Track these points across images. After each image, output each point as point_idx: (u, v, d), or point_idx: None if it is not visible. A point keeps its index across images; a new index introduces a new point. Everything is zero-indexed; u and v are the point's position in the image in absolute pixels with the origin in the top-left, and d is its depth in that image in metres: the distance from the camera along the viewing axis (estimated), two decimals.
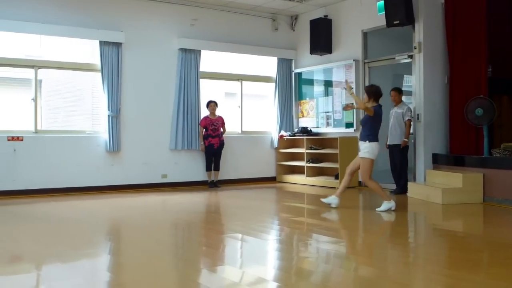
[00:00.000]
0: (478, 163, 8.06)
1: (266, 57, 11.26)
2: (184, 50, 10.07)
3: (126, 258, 4.69)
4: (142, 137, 9.68)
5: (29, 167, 8.69)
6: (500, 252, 4.78)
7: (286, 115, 11.36)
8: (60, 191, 8.90)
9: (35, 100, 8.88)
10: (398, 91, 8.75)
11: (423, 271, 4.15)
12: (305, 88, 11.41)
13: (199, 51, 10.25)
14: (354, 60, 9.98)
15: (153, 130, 9.82)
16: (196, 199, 8.51)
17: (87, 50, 9.61)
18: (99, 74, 9.30)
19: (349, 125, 10.11)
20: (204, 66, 10.40)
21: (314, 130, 10.91)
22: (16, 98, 9.06)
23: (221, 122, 10.14)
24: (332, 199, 7.29)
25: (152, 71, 9.83)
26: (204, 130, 10.03)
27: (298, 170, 10.98)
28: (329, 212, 7.05)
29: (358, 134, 9.86)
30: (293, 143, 11.14)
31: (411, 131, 8.72)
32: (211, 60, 10.67)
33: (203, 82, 10.35)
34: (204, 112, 10.20)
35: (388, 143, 8.80)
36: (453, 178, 7.93)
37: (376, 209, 6.98)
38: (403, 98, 8.79)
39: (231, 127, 10.67)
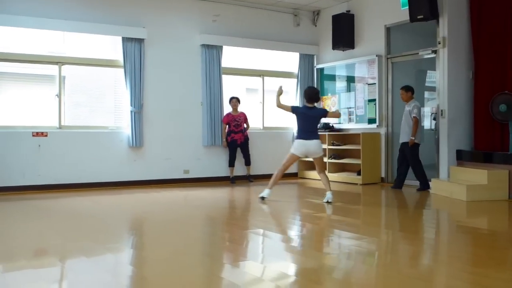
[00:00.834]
0: (503, 159, 7.95)
1: (288, 52, 11.24)
2: (206, 46, 10.11)
3: (150, 252, 4.73)
4: (164, 132, 9.74)
5: (54, 163, 8.81)
6: None
7: None
8: (83, 186, 9.01)
9: (59, 96, 8.99)
10: (405, 89, 8.80)
11: (447, 268, 4.11)
12: (327, 84, 11.37)
13: (221, 47, 10.28)
14: (376, 56, 9.91)
15: (175, 126, 9.88)
16: (218, 195, 8.54)
17: (109, 46, 9.70)
18: (122, 70, 9.38)
19: (371, 121, 10.04)
20: (226, 62, 10.42)
21: (336, 126, 10.87)
22: (40, 94, 9.19)
23: (243, 118, 10.20)
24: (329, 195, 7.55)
25: (174, 67, 9.88)
26: (227, 126, 10.10)
27: None
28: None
29: (381, 130, 9.84)
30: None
31: (434, 127, 8.67)
32: (233, 56, 10.69)
33: (224, 78, 10.37)
34: (227, 107, 10.24)
35: (399, 141, 8.87)
36: (478, 175, 7.84)
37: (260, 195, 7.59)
38: (426, 95, 8.73)
39: (253, 123, 10.68)
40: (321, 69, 11.42)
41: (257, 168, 10.61)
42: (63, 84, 9.10)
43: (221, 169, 10.29)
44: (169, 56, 9.84)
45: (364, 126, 10.21)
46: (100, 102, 9.74)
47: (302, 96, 11.16)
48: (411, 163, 8.68)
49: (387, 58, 9.84)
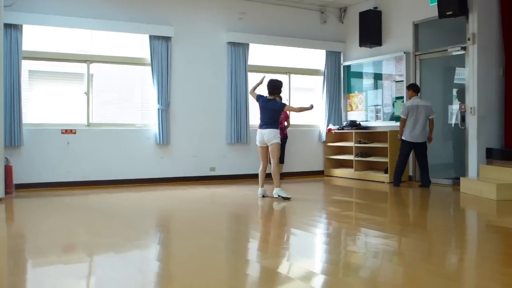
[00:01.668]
0: None
1: (314, 50, 11.20)
2: (232, 44, 10.13)
3: (176, 249, 4.76)
4: (191, 130, 9.80)
5: (82, 160, 8.94)
6: None
7: (335, 108, 11.28)
8: (111, 183, 9.12)
9: (87, 94, 9.11)
10: (407, 88, 9.10)
11: (477, 268, 4.06)
12: (354, 81, 11.29)
13: (247, 45, 10.29)
14: (404, 53, 9.81)
15: (202, 123, 9.93)
16: (244, 192, 8.55)
17: (137, 44, 9.78)
18: (149, 68, 9.46)
19: (399, 118, 9.94)
20: (252, 60, 10.43)
21: (363, 123, 10.79)
22: (69, 92, 9.31)
23: (285, 116, 10.23)
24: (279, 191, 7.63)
25: (201, 65, 9.92)
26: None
27: (346, 164, 10.90)
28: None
29: None
30: (341, 137, 11.05)
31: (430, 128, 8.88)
32: (259, 53, 10.69)
33: (250, 76, 10.38)
34: (252, 105, 10.24)
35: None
36: (508, 173, 7.70)
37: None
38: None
39: None
40: (348, 67, 11.34)
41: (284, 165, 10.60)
42: (91, 82, 9.22)
43: (247, 166, 10.30)
44: (195, 54, 9.88)
45: (391, 124, 10.12)
46: (127, 99, 9.84)
47: (327, 94, 11.15)
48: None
49: (415, 55, 9.73)
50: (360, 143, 10.39)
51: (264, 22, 10.55)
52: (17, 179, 8.19)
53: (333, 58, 11.29)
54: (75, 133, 8.90)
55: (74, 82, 9.39)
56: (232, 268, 4.08)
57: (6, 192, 7.61)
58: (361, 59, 10.95)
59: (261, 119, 7.79)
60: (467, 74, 8.74)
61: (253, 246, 4.88)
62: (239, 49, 10.19)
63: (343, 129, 10.87)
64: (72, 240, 5.02)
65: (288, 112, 10.14)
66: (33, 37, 8.81)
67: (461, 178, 8.37)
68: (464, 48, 8.77)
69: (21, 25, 8.46)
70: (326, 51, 11.21)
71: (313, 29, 11.10)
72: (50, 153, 8.72)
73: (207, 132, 9.97)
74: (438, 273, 3.82)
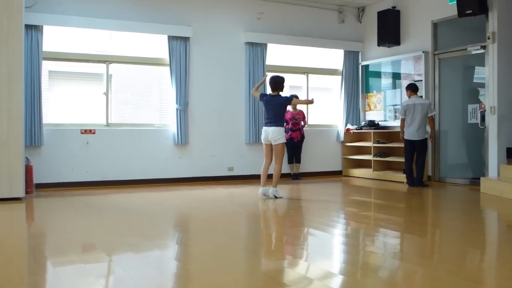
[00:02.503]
0: None
1: (332, 49, 11.16)
2: (250, 44, 10.14)
3: (195, 248, 4.77)
4: (209, 130, 9.82)
5: (101, 159, 9.01)
6: None
7: (353, 108, 11.23)
8: (130, 182, 9.18)
9: (106, 94, 9.18)
10: (406, 88, 9.21)
11: (498, 269, 4.01)
12: (372, 81, 11.23)
13: (265, 45, 10.29)
14: (423, 52, 9.73)
15: (220, 123, 9.95)
16: None
17: (155, 45, 9.83)
18: (167, 68, 9.51)
19: None
20: (270, 60, 10.42)
21: (381, 123, 10.73)
22: (88, 92, 9.39)
23: (301, 116, 10.31)
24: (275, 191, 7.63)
25: (219, 65, 9.94)
26: (285, 124, 10.17)
27: (364, 164, 10.84)
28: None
29: (427, 127, 9.65)
30: (359, 137, 11.00)
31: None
32: (277, 53, 10.68)
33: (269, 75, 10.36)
34: None
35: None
36: None
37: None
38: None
39: None
40: (366, 66, 11.28)
41: (300, 165, 10.58)
42: (110, 82, 9.29)
43: None
44: (214, 54, 9.91)
45: None
46: (146, 100, 9.89)
47: (345, 94, 11.10)
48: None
49: (434, 55, 9.65)
50: (378, 143, 10.33)
51: (282, 22, 10.54)
52: (37, 178, 8.29)
53: (351, 57, 11.24)
54: (94, 133, 8.98)
55: (93, 82, 9.47)
56: (250, 267, 4.08)
57: (27, 192, 7.70)
58: (379, 58, 10.89)
59: (266, 116, 7.81)
60: (487, 73, 8.65)
61: (271, 246, 4.88)
62: (257, 49, 10.19)
63: (361, 129, 10.82)
64: (91, 240, 5.06)
65: (296, 106, 10.26)
66: (53, 38, 8.90)
67: (481, 178, 8.29)
68: (484, 47, 8.67)
69: (42, 26, 8.55)
70: (344, 50, 11.16)
71: (331, 28, 11.06)
72: (70, 153, 8.81)
73: (225, 132, 9.99)
74: (458, 273, 3.78)
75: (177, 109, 9.46)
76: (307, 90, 11.03)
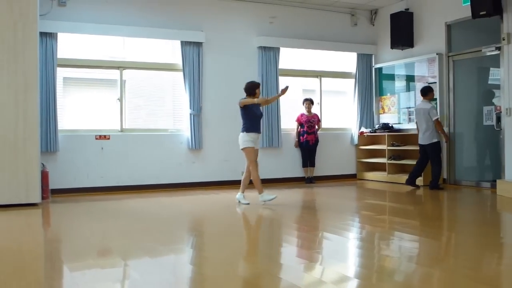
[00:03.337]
0: None
1: (345, 52, 11.15)
2: (263, 48, 10.16)
3: (210, 253, 4.79)
4: (223, 135, 9.84)
5: (116, 165, 9.07)
6: None
7: (367, 111, 11.21)
8: (145, 187, 9.23)
9: (120, 100, 9.25)
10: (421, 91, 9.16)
11: None
12: (385, 84, 11.20)
13: (278, 49, 10.31)
14: (437, 54, 9.69)
15: (233, 128, 9.87)
16: (277, 197, 8.54)
17: (168, 50, 9.90)
18: (180, 73, 9.56)
19: None
20: (283, 63, 10.44)
21: (395, 126, 10.69)
22: (103, 98, 9.47)
23: (316, 119, 10.35)
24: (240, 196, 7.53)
25: (232, 70, 9.97)
26: (299, 127, 10.25)
27: (379, 167, 10.81)
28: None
29: None
30: (373, 140, 10.97)
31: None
32: (290, 57, 10.70)
33: (281, 79, 10.39)
34: (284, 109, 10.29)
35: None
36: None
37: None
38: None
39: None
40: (380, 69, 11.26)
41: (314, 168, 10.58)
42: (124, 88, 9.36)
43: (279, 170, 10.33)
44: (226, 59, 9.94)
45: None
46: (159, 105, 9.94)
47: (358, 97, 11.08)
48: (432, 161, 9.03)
49: (448, 56, 9.61)
50: (393, 146, 10.30)
51: (295, 26, 10.56)
52: (53, 184, 8.36)
53: (364, 60, 11.22)
54: (109, 138, 9.05)
55: (107, 88, 9.55)
56: (265, 272, 4.09)
57: (43, 197, 7.77)
58: (393, 61, 10.86)
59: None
60: (502, 75, 8.59)
61: (286, 250, 4.88)
62: (270, 53, 10.21)
63: (375, 132, 10.79)
64: (107, 244, 5.10)
65: (311, 110, 10.33)
66: (68, 45, 9.00)
67: (498, 181, 8.23)
68: (498, 48, 8.62)
69: (56, 34, 8.65)
70: (357, 53, 11.15)
71: (344, 31, 11.05)
72: (85, 158, 8.88)
73: (238, 137, 9.98)
74: (475, 278, 3.76)
75: (190, 114, 9.50)
76: (320, 93, 11.03)
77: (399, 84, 10.81)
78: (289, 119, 10.55)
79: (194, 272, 4.09)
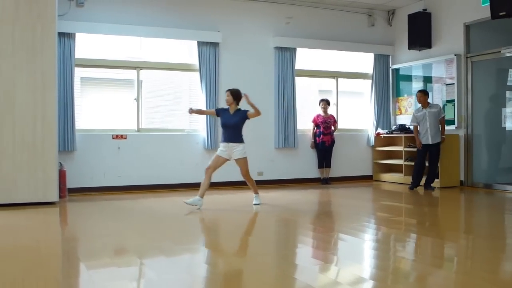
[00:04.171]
0: None
1: (362, 53, 11.12)
2: (279, 49, 10.17)
3: (226, 253, 4.82)
4: None
5: (132, 164, 9.14)
6: None
7: (383, 112, 11.16)
8: (161, 187, 9.29)
9: (137, 99, 9.32)
10: (424, 93, 9.20)
11: None
12: (403, 85, 11.15)
13: (294, 49, 10.31)
14: (455, 55, 9.63)
15: (249, 128, 9.89)
16: (293, 197, 8.57)
17: (185, 50, 9.94)
18: (197, 74, 9.60)
19: (450, 122, 9.76)
20: (299, 64, 10.45)
21: (412, 127, 10.63)
22: (120, 98, 9.54)
23: (333, 120, 10.34)
24: (197, 200, 7.18)
25: (248, 70, 10.00)
26: (316, 127, 10.25)
27: (395, 169, 10.76)
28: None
29: (459, 132, 9.56)
30: (390, 141, 10.93)
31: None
32: (306, 57, 10.70)
33: (298, 80, 10.40)
34: (300, 110, 10.30)
35: (426, 143, 9.11)
36: None
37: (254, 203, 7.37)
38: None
39: None
40: (397, 70, 11.22)
41: (330, 169, 10.57)
42: (141, 88, 9.43)
43: (295, 171, 10.35)
44: (243, 59, 9.97)
45: None
46: (176, 105, 9.99)
47: (375, 98, 11.04)
48: (437, 161, 9.17)
49: (467, 57, 9.54)
50: (409, 147, 10.24)
51: (311, 26, 10.56)
52: (70, 183, 8.47)
53: (381, 61, 11.18)
54: (125, 138, 9.12)
55: (124, 88, 9.62)
56: (280, 272, 4.10)
57: (60, 196, 7.87)
58: (410, 62, 10.81)
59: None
60: None
61: (302, 251, 4.89)
62: (286, 54, 10.22)
63: (392, 133, 10.75)
64: (124, 243, 5.15)
65: (327, 111, 10.36)
66: (85, 45, 9.09)
67: None
68: None
69: (74, 34, 8.73)
70: (374, 54, 11.12)
71: (361, 32, 11.03)
72: (102, 158, 8.97)
73: (254, 137, 10.01)
74: (493, 281, 3.74)
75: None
76: (337, 94, 11.01)
77: (417, 85, 10.76)
78: (305, 119, 10.56)
79: (210, 272, 4.12)
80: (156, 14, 9.33)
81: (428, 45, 10.24)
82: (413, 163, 10.14)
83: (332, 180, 10.49)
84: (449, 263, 4.35)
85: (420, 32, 10.20)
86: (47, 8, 7.52)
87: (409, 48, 10.49)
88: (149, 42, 9.76)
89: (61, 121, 8.45)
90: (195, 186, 9.40)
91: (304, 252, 4.86)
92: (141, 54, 9.81)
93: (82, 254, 4.73)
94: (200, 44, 9.55)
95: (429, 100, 9.55)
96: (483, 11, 8.92)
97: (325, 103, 10.36)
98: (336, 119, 10.54)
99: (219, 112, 7.61)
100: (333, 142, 10.39)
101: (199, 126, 9.70)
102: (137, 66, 9.40)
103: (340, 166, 10.72)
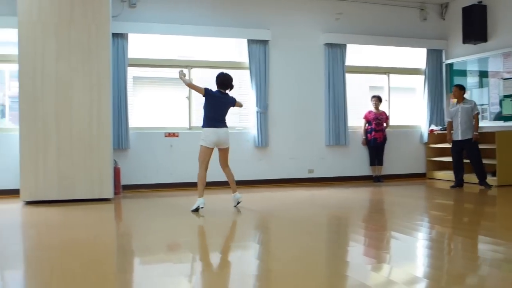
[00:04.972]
0: None
1: (414, 48, 10.94)
2: (329, 45, 10.13)
3: (278, 251, 4.85)
4: (289, 132, 9.91)
5: (185, 162, 9.30)
6: None
7: (437, 108, 10.96)
8: (212, 184, 9.32)
9: (189, 98, 9.47)
10: (460, 88, 9.06)
11: None
12: (457, 80, 10.90)
13: (345, 45, 10.24)
14: None
15: (300, 125, 10.01)
16: (344, 195, 8.53)
17: (235, 48, 10.03)
18: (247, 71, 9.68)
19: (508, 118, 9.49)
20: (349, 60, 10.37)
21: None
22: (171, 96, 9.71)
23: (385, 117, 10.24)
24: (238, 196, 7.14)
25: (298, 67, 10.01)
26: (367, 124, 10.17)
27: (449, 167, 10.51)
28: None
29: None
30: (444, 138, 10.70)
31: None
32: (356, 53, 10.61)
33: (348, 77, 10.33)
34: (351, 106, 10.24)
35: (456, 138, 9.04)
36: None
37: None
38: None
39: None
40: (451, 65, 10.98)
41: (383, 167, 10.46)
42: None
43: (346, 168, 10.29)
44: (293, 56, 9.99)
45: (499, 124, 9.68)
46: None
47: (428, 94, 10.85)
48: (479, 157, 8.99)
49: None
50: None
51: (361, 21, 10.46)
52: (124, 180, 8.72)
53: (434, 56, 10.97)
54: (178, 136, 9.29)
55: (176, 87, 9.75)
56: (332, 270, 4.11)
57: (115, 193, 8.12)
58: (464, 56, 10.56)
59: (214, 116, 7.05)
60: None
61: (354, 249, 4.88)
62: (336, 50, 10.17)
63: (446, 129, 10.52)
64: (177, 239, 5.25)
65: (379, 107, 10.28)
66: (137, 44, 9.29)
67: None
68: None
69: (127, 34, 8.95)
70: (427, 49, 10.92)
71: (413, 27, 10.85)
72: (154, 155, 9.17)
73: (305, 134, 10.04)
74: None
75: (257, 112, 9.61)
76: (389, 90, 10.87)
77: (472, 80, 10.51)
78: (356, 116, 10.49)
79: (262, 269, 4.16)
80: (206, 13, 9.45)
81: (484, 39, 9.98)
82: (468, 161, 9.94)
83: (384, 178, 10.38)
84: (507, 264, 4.25)
85: (475, 26, 9.96)
86: (101, 9, 7.74)
87: (463, 42, 10.25)
88: (200, 41, 9.88)
89: (115, 120, 8.67)
90: (245, 183, 9.52)
91: (357, 250, 4.84)
92: (192, 53, 9.95)
93: (137, 249, 4.86)
94: (250, 42, 9.62)
95: (485, 95, 9.34)
96: None
97: (377, 99, 10.25)
98: (388, 115, 10.42)
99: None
100: (385, 139, 10.28)
101: (249, 124, 9.77)
102: (188, 65, 9.53)
103: (392, 163, 10.59)
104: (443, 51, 11.04)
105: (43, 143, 7.57)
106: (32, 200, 7.57)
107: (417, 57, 11.06)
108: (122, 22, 8.88)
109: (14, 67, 8.06)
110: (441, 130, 10.60)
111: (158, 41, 9.49)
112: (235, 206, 7.17)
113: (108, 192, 7.78)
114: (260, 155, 9.78)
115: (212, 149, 7.11)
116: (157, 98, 9.68)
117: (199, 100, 9.72)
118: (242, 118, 9.95)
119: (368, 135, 10.25)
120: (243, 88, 9.96)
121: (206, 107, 7.05)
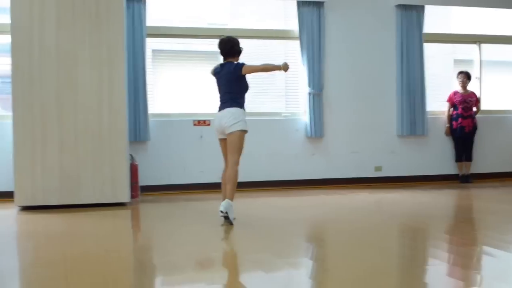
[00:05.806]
0: None
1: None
2: (402, 7, 10.04)
3: (338, 269, 4.83)
4: (350, 119, 9.87)
5: (218, 157, 9.23)
6: None
7: None
8: (252, 185, 9.40)
9: None
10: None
11: None
12: None
13: (422, 7, 10.14)
14: None
15: (364, 111, 9.94)
16: (420, 199, 8.45)
17: (279, 13, 10.00)
18: (296, 42, 9.67)
19: None
20: (429, 27, 10.25)
21: None
22: (201, 75, 9.72)
23: (474, 99, 10.17)
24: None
25: (362, 36, 9.94)
26: (452, 108, 10.07)
27: None
28: None
29: None
30: None
31: None
32: (437, 17, 10.48)
33: (426, 47, 10.21)
34: (430, 86, 10.12)
35: None
36: None
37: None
38: None
39: None
40: None
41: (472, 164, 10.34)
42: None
43: (424, 166, 10.19)
44: (355, 23, 9.92)
45: None
46: (269, 83, 10.06)
47: None
48: None
49: None
50: None
51: None
52: (143, 180, 8.79)
53: None
54: (209, 124, 9.32)
55: (206, 62, 9.76)
56: None
57: (132, 196, 8.17)
58: None
59: (219, 98, 6.84)
60: None
61: (435, 269, 4.84)
62: (411, 14, 10.06)
63: None
64: (210, 254, 5.28)
65: (466, 87, 10.17)
66: (158, 10, 9.32)
67: None
68: None
69: None
70: None
71: None
72: (181, 149, 9.25)
73: (370, 122, 9.97)
74: None
75: (309, 94, 9.59)
76: (480, 65, 10.70)
77: None
78: (437, 99, 10.36)
79: None
80: None
81: None
82: None
83: (474, 178, 10.24)
84: None
85: None
86: None
87: None
88: (236, 3, 9.88)
89: (130, 105, 8.74)
90: (294, 184, 9.52)
91: (438, 270, 4.80)
92: (226, 19, 9.97)
93: (160, 266, 4.90)
94: (300, 4, 9.59)
95: None
96: None
97: (465, 76, 10.11)
98: (478, 98, 10.24)
99: None
100: (475, 127, 10.13)
101: (299, 109, 9.77)
102: (222, 34, 9.54)
103: (484, 159, 10.44)
104: None
105: (41, 134, 7.65)
106: (29, 205, 7.68)
107: None
108: None
109: (5, 39, 8.09)
110: None
111: (184, 4, 9.54)
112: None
113: (123, 195, 7.86)
114: (313, 148, 9.77)
115: (223, 140, 6.77)
116: (183, 77, 9.73)
117: None
118: (289, 102, 9.95)
119: (453, 122, 10.12)
120: (291, 64, 9.92)
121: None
